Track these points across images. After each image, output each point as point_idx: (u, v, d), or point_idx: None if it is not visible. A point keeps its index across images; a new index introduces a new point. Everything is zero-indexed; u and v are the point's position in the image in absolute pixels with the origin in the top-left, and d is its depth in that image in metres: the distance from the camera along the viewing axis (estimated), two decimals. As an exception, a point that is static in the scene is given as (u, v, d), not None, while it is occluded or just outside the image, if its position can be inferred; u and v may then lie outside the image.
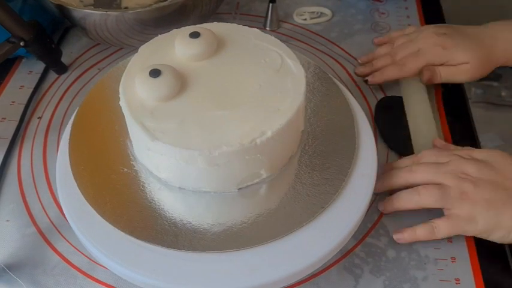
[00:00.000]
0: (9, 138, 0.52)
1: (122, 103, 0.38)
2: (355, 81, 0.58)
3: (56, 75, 0.60)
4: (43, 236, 0.44)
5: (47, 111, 0.55)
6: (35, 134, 0.53)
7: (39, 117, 0.55)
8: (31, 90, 0.57)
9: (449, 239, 0.44)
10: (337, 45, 0.63)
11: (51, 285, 0.41)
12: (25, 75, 0.60)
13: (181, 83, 0.39)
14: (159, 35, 0.44)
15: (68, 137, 0.43)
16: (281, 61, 0.41)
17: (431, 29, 0.55)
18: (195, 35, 0.40)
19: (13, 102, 0.56)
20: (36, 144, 0.52)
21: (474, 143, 0.52)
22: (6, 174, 0.49)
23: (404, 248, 0.43)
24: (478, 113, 0.49)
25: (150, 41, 0.43)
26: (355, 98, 0.47)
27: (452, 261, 0.42)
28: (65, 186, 0.41)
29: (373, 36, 0.64)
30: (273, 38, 0.43)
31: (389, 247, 0.43)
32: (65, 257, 0.43)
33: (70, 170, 0.41)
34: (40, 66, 0.60)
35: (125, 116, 0.38)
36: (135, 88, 0.38)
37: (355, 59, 0.61)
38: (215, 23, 0.45)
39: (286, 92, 0.39)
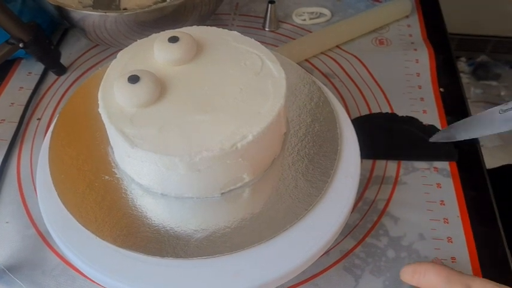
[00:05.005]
0: (9, 139, 0.52)
1: (101, 110, 0.38)
2: (353, 81, 0.58)
3: (55, 77, 0.60)
4: (42, 237, 0.44)
5: (46, 112, 0.55)
6: (35, 135, 0.53)
7: (39, 119, 0.55)
8: (30, 91, 0.57)
9: (450, 239, 0.44)
10: (337, 46, 0.63)
11: (51, 286, 0.41)
12: (24, 77, 0.60)
13: (161, 88, 0.38)
14: (138, 40, 0.43)
15: (47, 146, 0.43)
16: (261, 64, 0.41)
17: None
18: (173, 39, 0.40)
19: (12, 103, 0.56)
20: (35, 145, 0.52)
21: (474, 143, 0.52)
22: (6, 176, 0.49)
23: (404, 249, 0.43)
24: (477, 112, 0.48)
25: (129, 46, 0.43)
26: (346, 99, 0.47)
27: (453, 262, 0.42)
28: (45, 195, 0.40)
29: (372, 37, 0.64)
30: (253, 40, 0.43)
31: (389, 247, 0.43)
32: (65, 258, 0.42)
33: (50, 179, 0.40)
34: (39, 67, 0.60)
35: (104, 123, 0.38)
36: (114, 94, 0.38)
37: (356, 58, 0.61)
38: (194, 26, 0.44)
39: (266, 95, 0.38)
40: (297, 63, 0.50)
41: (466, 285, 0.34)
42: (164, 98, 0.38)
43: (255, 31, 0.65)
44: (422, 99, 0.56)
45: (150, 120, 0.37)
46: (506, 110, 0.44)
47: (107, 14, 0.51)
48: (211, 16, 0.62)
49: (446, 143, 0.50)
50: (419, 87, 0.57)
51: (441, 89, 0.57)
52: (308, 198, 0.39)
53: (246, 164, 0.37)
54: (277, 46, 0.62)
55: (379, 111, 0.55)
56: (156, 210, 0.39)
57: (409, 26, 0.66)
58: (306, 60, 0.61)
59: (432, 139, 0.50)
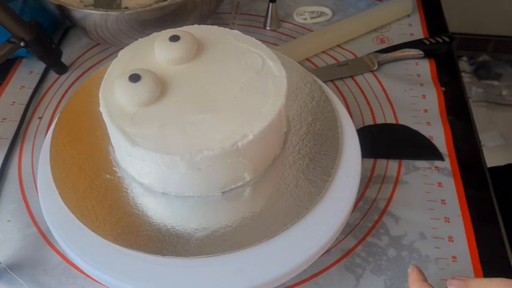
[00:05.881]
0: (10, 138, 0.52)
1: (102, 109, 0.38)
2: (354, 79, 0.58)
3: (56, 76, 0.60)
4: (44, 236, 0.44)
5: (47, 111, 0.55)
6: (36, 134, 0.53)
7: (40, 118, 0.55)
8: (31, 90, 0.57)
9: (451, 238, 0.44)
10: (338, 45, 0.63)
11: (52, 285, 0.41)
12: (25, 76, 0.60)
13: (162, 87, 0.38)
14: (139, 39, 0.43)
15: (48, 145, 0.43)
16: (262, 63, 0.41)
17: None
18: (174, 38, 0.40)
19: (13, 102, 0.56)
20: (36, 144, 0.52)
21: (475, 142, 0.52)
22: (7, 175, 0.49)
23: (405, 248, 0.43)
24: (479, 112, 0.49)
25: (130, 45, 0.43)
26: (347, 97, 0.47)
27: (454, 261, 0.42)
28: (46, 194, 0.40)
29: (373, 36, 0.64)
30: (253, 39, 0.43)
31: (390, 246, 0.43)
32: (66, 257, 0.43)
33: (51, 177, 0.41)
34: (40, 66, 0.60)
35: (105, 122, 0.38)
36: (114, 93, 0.38)
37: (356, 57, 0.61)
38: (195, 25, 0.44)
39: (267, 94, 0.38)
40: (298, 62, 0.50)
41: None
42: (165, 97, 0.38)
43: (256, 30, 0.65)
44: (424, 96, 0.56)
45: (151, 119, 0.37)
46: None
47: (108, 13, 0.51)
48: (212, 15, 0.62)
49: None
50: (421, 84, 0.57)
51: (443, 88, 0.57)
52: (309, 197, 0.39)
53: (246, 163, 0.37)
54: (278, 45, 0.62)
55: (379, 107, 0.55)
56: (157, 209, 0.39)
57: (410, 25, 0.66)
58: (307, 59, 0.61)
59: None
